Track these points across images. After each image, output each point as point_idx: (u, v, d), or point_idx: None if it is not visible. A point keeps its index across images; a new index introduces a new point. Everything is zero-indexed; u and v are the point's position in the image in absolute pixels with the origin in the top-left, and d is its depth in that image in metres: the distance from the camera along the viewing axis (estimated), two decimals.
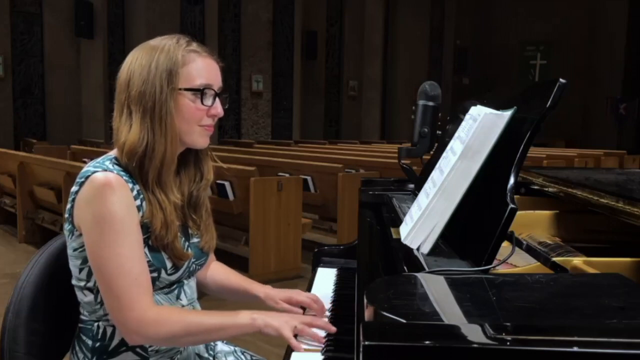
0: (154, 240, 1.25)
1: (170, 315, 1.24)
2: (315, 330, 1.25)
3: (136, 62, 1.26)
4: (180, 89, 1.25)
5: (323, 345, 1.22)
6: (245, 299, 1.50)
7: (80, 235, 1.24)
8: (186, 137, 1.28)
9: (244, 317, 1.24)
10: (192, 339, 1.28)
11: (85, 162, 5.81)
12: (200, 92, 1.26)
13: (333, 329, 1.25)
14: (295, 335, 1.24)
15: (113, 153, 1.29)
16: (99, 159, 1.27)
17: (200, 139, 1.30)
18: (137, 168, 1.24)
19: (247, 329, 1.23)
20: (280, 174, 5.27)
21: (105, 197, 1.18)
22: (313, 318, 1.28)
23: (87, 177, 1.22)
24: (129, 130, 1.24)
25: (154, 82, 1.23)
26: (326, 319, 1.34)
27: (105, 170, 1.22)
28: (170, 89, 1.23)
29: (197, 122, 1.28)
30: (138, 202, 1.23)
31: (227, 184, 4.54)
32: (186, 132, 1.27)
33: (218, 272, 1.54)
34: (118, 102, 1.28)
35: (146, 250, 1.25)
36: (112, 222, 1.18)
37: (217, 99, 1.30)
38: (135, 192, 1.23)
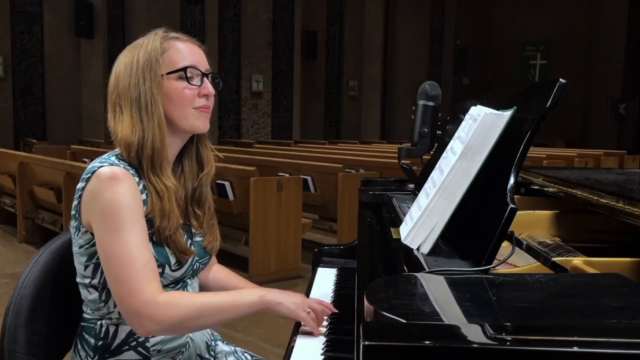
0: (156, 234, 1.25)
1: (181, 298, 1.24)
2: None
3: (121, 64, 1.30)
4: (163, 75, 1.26)
5: (322, 344, 1.23)
6: None
7: (87, 231, 1.25)
8: (183, 122, 1.28)
9: (254, 295, 1.25)
10: (204, 321, 1.26)
11: (85, 162, 5.81)
12: (184, 72, 1.27)
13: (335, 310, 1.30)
14: (297, 330, 1.27)
15: (118, 150, 1.30)
16: (104, 156, 1.29)
17: (197, 121, 1.30)
18: (135, 159, 1.25)
19: (257, 306, 1.25)
20: (280, 174, 5.27)
21: (113, 188, 1.20)
22: (322, 308, 1.31)
23: (93, 173, 1.23)
24: (122, 125, 1.26)
25: (137, 74, 1.26)
26: (325, 322, 1.35)
27: (112, 164, 1.23)
28: (152, 76, 1.25)
29: (189, 104, 1.28)
30: (144, 196, 1.25)
31: (227, 184, 4.54)
32: (181, 117, 1.28)
33: (220, 275, 1.54)
34: (110, 103, 1.30)
35: (150, 245, 1.25)
36: (120, 210, 1.19)
37: (206, 79, 1.30)
38: (141, 186, 1.25)
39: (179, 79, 1.27)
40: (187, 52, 1.30)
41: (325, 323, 1.33)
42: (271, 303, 1.24)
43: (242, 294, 1.27)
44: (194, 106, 1.29)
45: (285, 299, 1.26)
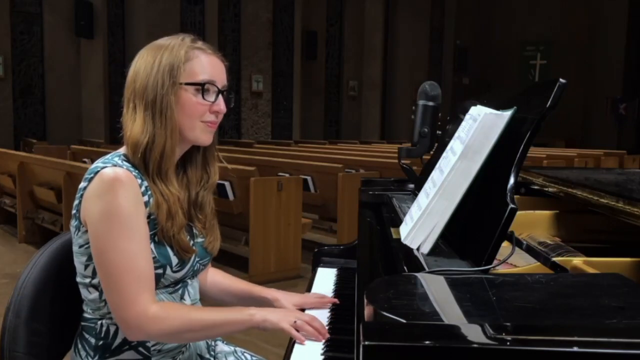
0: (160, 233, 1.26)
1: (171, 312, 1.24)
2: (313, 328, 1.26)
3: (142, 60, 1.30)
4: (181, 84, 1.26)
5: (322, 344, 1.23)
6: (251, 302, 1.50)
7: (87, 231, 1.25)
8: (188, 132, 1.29)
9: (243, 313, 1.26)
10: (193, 335, 1.29)
11: (85, 162, 5.82)
12: (201, 86, 1.28)
13: (326, 335, 1.26)
14: (297, 330, 1.26)
15: (122, 150, 1.30)
16: (108, 156, 1.29)
17: (202, 135, 1.31)
18: (141, 160, 1.25)
19: (246, 324, 1.26)
20: (280, 174, 5.27)
21: (115, 191, 1.19)
22: (312, 317, 1.29)
23: (96, 173, 1.23)
24: (133, 123, 1.27)
25: (157, 76, 1.26)
26: (325, 322, 1.35)
27: (115, 165, 1.23)
28: (171, 83, 1.25)
29: (198, 117, 1.29)
30: (146, 198, 1.24)
31: (227, 184, 4.54)
32: (188, 128, 1.29)
33: (218, 277, 1.55)
34: (125, 98, 1.31)
35: (152, 246, 1.26)
36: (120, 216, 1.19)
37: (220, 96, 1.31)
38: (143, 188, 1.24)
39: (195, 91, 1.28)
40: (209, 66, 1.30)
41: (325, 323, 1.33)
42: (258, 321, 1.25)
43: (232, 312, 1.27)
44: (202, 120, 1.29)
45: (270, 315, 1.27)
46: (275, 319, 1.26)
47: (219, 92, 1.31)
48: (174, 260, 1.29)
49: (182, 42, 1.30)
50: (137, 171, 1.25)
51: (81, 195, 1.25)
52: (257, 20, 12.46)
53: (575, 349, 0.62)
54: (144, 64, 1.28)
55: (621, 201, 1.20)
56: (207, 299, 1.56)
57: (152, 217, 1.25)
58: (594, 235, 1.39)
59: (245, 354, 1.52)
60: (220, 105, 1.31)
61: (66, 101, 10.47)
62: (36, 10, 10.22)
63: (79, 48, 10.47)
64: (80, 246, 1.28)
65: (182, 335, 1.26)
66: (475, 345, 0.64)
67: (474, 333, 0.66)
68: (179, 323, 1.23)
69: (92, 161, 1.32)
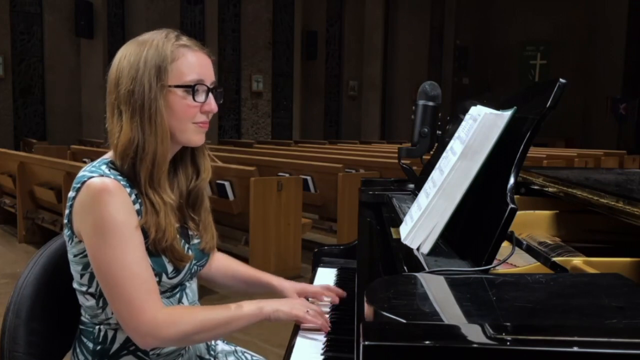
0: (152, 245, 1.22)
1: (181, 315, 1.23)
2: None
3: (124, 60, 1.23)
4: (170, 86, 1.21)
5: (322, 344, 1.23)
6: (256, 288, 1.51)
7: (80, 241, 1.22)
8: (180, 135, 1.25)
9: (252, 307, 1.25)
10: (205, 335, 1.27)
11: (85, 162, 5.82)
12: (191, 88, 1.23)
13: (327, 328, 1.28)
14: (297, 330, 1.28)
15: (109, 156, 1.26)
16: (95, 163, 1.25)
17: (195, 136, 1.27)
18: (131, 169, 1.21)
19: (255, 318, 1.25)
20: (280, 174, 5.27)
21: (104, 203, 1.16)
22: (321, 310, 1.32)
23: (83, 183, 1.19)
24: (120, 131, 1.21)
25: (142, 80, 1.20)
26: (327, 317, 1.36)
27: (102, 175, 1.19)
28: (159, 87, 1.20)
29: (190, 119, 1.24)
30: (137, 206, 1.21)
31: (227, 184, 4.54)
32: (180, 130, 1.24)
33: (224, 263, 1.54)
34: (109, 103, 1.25)
35: (147, 257, 1.23)
36: (114, 228, 1.16)
37: (210, 95, 1.26)
38: (133, 197, 1.21)
39: (185, 93, 1.23)
40: (196, 65, 1.24)
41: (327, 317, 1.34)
42: (269, 313, 1.25)
43: (240, 307, 1.25)
44: (194, 121, 1.25)
45: (281, 305, 1.27)
46: (287, 308, 1.26)
47: (209, 90, 1.26)
48: (169, 267, 1.26)
49: (167, 40, 1.22)
50: (125, 179, 1.21)
51: (71, 205, 1.22)
52: (257, 20, 12.47)
53: (575, 349, 0.62)
54: (127, 65, 1.21)
55: (621, 201, 1.20)
56: (211, 284, 1.56)
57: (143, 227, 1.21)
58: (594, 235, 1.39)
59: (245, 354, 1.52)
60: (212, 104, 1.26)
61: (66, 101, 10.48)
62: (36, 10, 10.23)
63: (79, 48, 10.48)
64: (75, 255, 1.25)
65: (194, 336, 1.24)
66: (475, 345, 0.64)
67: (474, 333, 0.66)
68: (191, 325, 1.20)
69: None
